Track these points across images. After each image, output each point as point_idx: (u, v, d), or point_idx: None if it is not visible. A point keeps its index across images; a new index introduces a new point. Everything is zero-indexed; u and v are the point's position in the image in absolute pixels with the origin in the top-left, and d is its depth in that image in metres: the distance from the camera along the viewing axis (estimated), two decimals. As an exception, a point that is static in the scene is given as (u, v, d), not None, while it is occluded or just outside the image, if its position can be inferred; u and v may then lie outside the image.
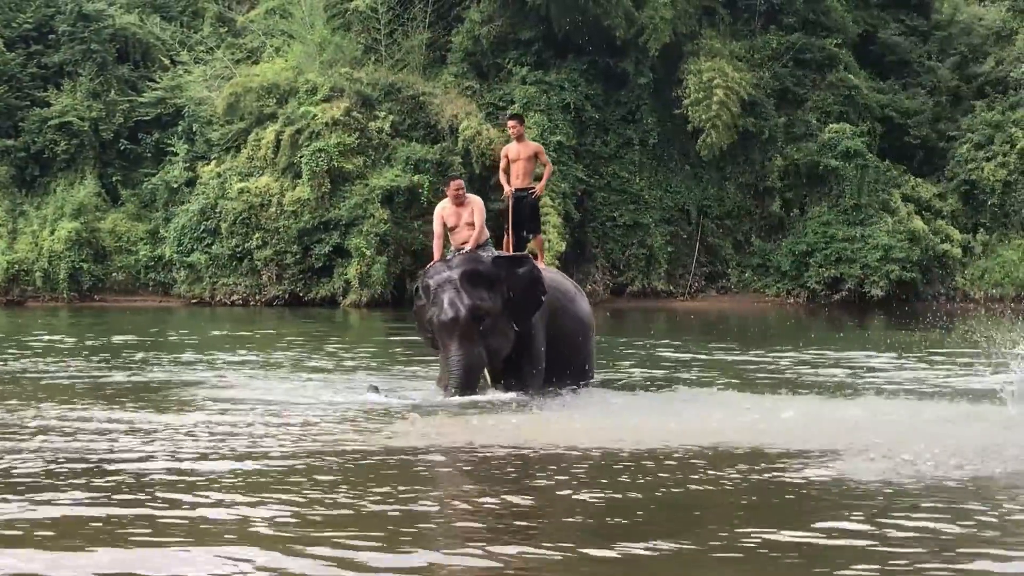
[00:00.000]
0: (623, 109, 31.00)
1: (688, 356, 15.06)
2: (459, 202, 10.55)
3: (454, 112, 29.10)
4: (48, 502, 6.04)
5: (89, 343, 16.94)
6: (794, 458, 7.38)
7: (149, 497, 6.20)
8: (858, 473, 6.87)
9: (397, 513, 5.94)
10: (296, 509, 5.97)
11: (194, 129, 30.99)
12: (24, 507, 5.93)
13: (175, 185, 30.53)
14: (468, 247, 10.31)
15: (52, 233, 30.38)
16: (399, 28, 30.93)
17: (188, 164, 30.65)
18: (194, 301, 29.26)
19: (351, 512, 5.95)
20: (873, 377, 12.37)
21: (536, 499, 6.36)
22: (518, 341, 10.34)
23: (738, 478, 6.80)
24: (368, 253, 27.34)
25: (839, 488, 6.51)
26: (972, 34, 33.72)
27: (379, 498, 6.26)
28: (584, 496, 6.33)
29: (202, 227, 29.23)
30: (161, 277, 30.47)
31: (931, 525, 5.69)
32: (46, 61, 32.37)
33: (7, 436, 8.07)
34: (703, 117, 29.75)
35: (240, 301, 28.80)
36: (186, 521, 5.69)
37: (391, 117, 29.17)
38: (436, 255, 10.52)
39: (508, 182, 11.68)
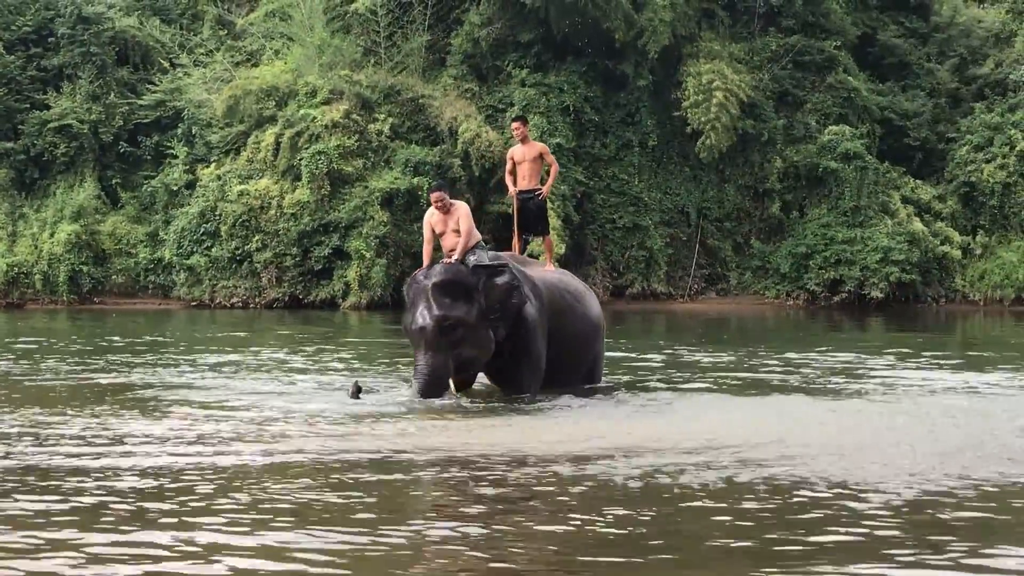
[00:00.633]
0: (622, 111, 31.02)
1: (688, 357, 15.05)
2: (444, 210, 10.55)
3: (453, 114, 29.11)
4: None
5: (76, 347, 16.91)
6: (791, 459, 7.38)
7: (117, 500, 6.16)
8: (855, 474, 6.88)
9: (385, 515, 5.94)
10: (272, 515, 5.96)
11: (194, 132, 30.98)
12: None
13: (175, 188, 30.52)
14: (456, 255, 10.32)
15: (52, 236, 30.36)
16: (398, 31, 30.94)
17: (188, 167, 30.63)
18: (194, 304, 29.26)
19: (337, 514, 5.94)
20: (873, 377, 12.37)
21: (528, 501, 6.35)
22: (515, 343, 10.33)
23: (733, 480, 6.79)
24: (368, 255, 27.34)
25: (837, 490, 6.51)
26: (971, 36, 33.71)
27: (361, 501, 6.25)
28: (576, 499, 6.33)
29: (202, 230, 29.21)
30: (161, 280, 30.45)
31: (930, 524, 5.70)
32: (45, 64, 32.37)
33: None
34: (702, 119, 29.77)
35: (240, 303, 28.79)
36: (157, 530, 5.58)
37: (391, 119, 29.17)
38: (425, 261, 10.57)
39: (514, 183, 11.68)
